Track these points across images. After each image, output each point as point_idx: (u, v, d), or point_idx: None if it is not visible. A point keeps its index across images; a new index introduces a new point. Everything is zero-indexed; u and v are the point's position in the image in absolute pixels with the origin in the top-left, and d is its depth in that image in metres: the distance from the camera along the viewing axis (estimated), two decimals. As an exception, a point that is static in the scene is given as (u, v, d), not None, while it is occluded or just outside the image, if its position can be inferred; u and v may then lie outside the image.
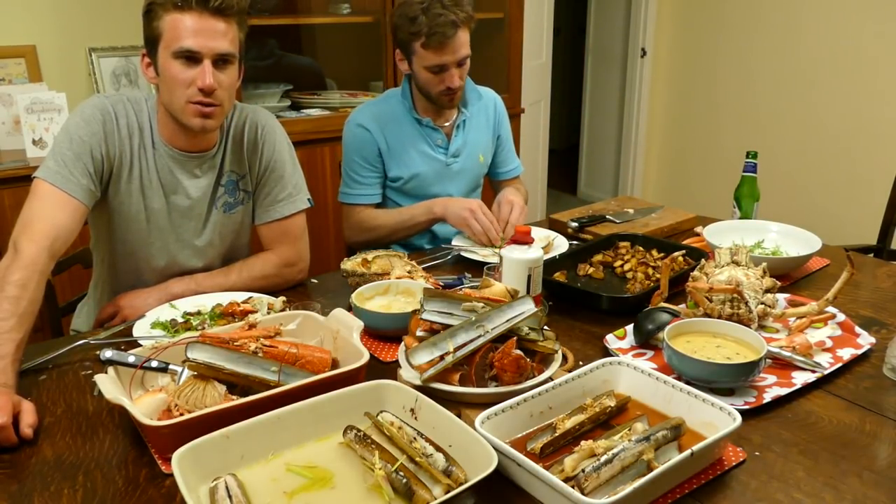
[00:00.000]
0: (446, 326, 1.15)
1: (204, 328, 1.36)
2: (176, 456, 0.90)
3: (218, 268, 1.65)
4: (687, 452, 0.93)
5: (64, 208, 1.42)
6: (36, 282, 1.29)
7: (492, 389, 1.10)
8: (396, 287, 1.47)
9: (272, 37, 3.05)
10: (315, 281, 1.71)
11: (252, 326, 1.24)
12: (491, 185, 2.26)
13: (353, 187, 1.99)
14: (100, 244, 1.66)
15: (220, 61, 1.45)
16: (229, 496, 0.88)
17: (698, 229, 1.91)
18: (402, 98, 1.99)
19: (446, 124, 2.04)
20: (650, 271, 1.63)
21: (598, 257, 1.73)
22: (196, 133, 1.52)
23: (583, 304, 1.52)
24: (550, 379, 1.12)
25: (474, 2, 3.13)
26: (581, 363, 1.23)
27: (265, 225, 1.69)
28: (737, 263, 1.45)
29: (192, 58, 1.42)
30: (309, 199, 1.72)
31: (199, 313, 1.44)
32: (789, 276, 1.65)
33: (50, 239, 1.36)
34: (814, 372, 1.23)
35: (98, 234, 1.65)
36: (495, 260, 1.55)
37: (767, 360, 1.22)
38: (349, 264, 1.56)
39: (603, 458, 0.92)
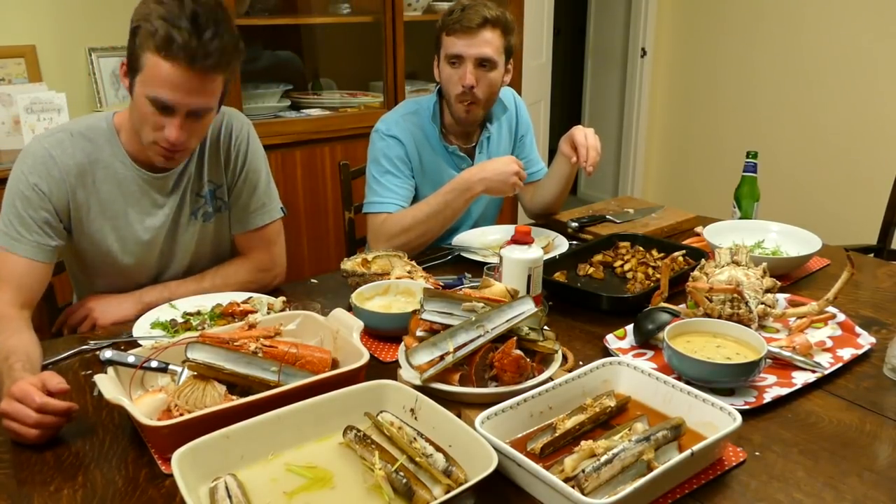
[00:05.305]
0: (446, 326, 1.15)
1: (204, 328, 1.36)
2: (176, 456, 0.90)
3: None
4: (687, 452, 0.93)
5: (20, 268, 1.41)
6: (12, 329, 1.31)
7: (492, 389, 1.10)
8: (396, 287, 1.47)
9: (270, 36, 3.05)
10: (315, 281, 1.71)
11: (252, 326, 1.24)
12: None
13: (381, 195, 1.90)
14: (76, 276, 1.66)
15: (196, 113, 1.38)
16: (229, 496, 0.88)
17: (698, 229, 1.91)
18: (431, 122, 1.96)
19: (471, 146, 2.02)
20: (650, 271, 1.63)
21: (598, 257, 1.73)
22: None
23: (583, 304, 1.52)
24: (550, 379, 1.12)
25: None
26: (581, 363, 1.23)
27: (240, 234, 1.68)
28: (737, 263, 1.45)
29: (166, 107, 1.35)
30: (282, 209, 1.71)
31: (198, 313, 1.44)
32: (789, 276, 1.65)
33: (18, 301, 1.38)
34: (814, 372, 1.23)
35: (73, 269, 1.65)
36: (495, 260, 1.55)
37: (767, 360, 1.22)
38: (349, 264, 1.56)
39: (603, 458, 0.92)
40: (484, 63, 1.84)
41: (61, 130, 1.48)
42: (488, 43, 1.83)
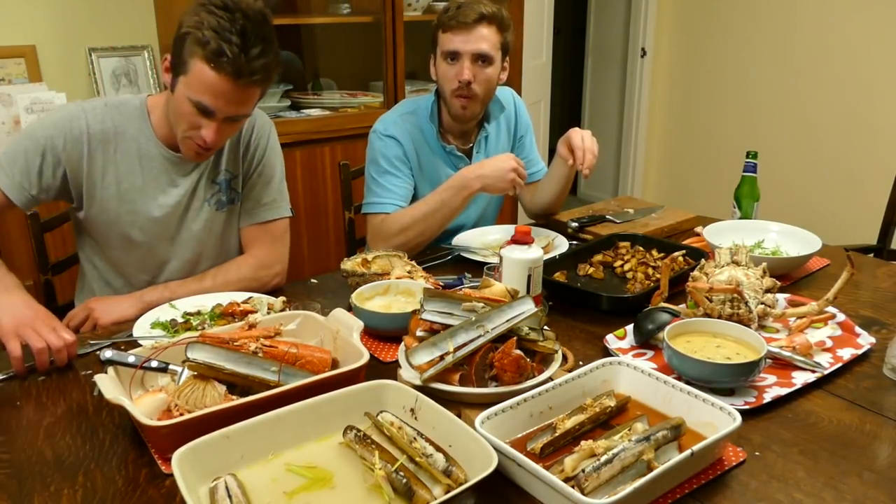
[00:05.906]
0: (446, 326, 1.15)
1: (204, 328, 1.36)
2: (176, 456, 0.90)
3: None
4: (687, 452, 0.93)
5: None
6: None
7: (492, 389, 1.10)
8: (396, 287, 1.47)
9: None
10: (315, 281, 1.71)
11: (252, 326, 1.24)
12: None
13: (380, 195, 1.90)
14: (87, 252, 1.67)
15: (233, 118, 1.46)
16: (229, 496, 0.88)
17: (698, 229, 1.91)
18: (429, 122, 1.95)
19: (469, 146, 2.02)
20: (650, 271, 1.63)
21: (598, 257, 1.73)
22: None
23: (583, 304, 1.52)
24: (550, 379, 1.12)
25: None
26: (581, 363, 1.23)
27: (247, 227, 1.70)
28: (737, 263, 1.45)
29: (207, 111, 1.41)
30: (290, 209, 1.74)
31: (199, 313, 1.44)
32: (789, 276, 1.65)
33: None
34: (814, 372, 1.23)
35: (84, 244, 1.66)
36: (495, 260, 1.55)
37: (767, 360, 1.22)
38: (349, 264, 1.56)
39: (603, 458, 0.92)
40: (481, 59, 1.84)
41: (98, 100, 1.57)
42: (485, 39, 1.83)
